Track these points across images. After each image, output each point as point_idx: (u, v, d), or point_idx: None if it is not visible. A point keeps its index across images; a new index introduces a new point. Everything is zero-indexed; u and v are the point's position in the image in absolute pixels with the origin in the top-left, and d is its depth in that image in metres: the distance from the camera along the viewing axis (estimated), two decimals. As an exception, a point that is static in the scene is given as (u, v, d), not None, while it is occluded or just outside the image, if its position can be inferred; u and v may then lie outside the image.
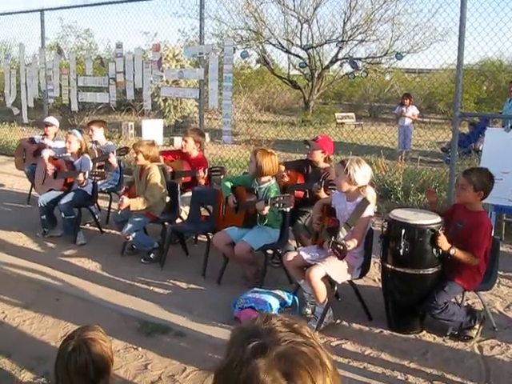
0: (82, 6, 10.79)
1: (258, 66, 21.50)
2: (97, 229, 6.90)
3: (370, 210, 4.34)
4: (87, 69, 10.23)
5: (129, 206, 5.64)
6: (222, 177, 5.93)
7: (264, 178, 5.16)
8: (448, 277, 4.17)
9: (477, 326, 4.25)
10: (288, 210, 4.91)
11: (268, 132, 12.86)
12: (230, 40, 8.86)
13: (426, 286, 4.19)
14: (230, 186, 5.33)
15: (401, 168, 8.43)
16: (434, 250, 4.11)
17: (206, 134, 14.65)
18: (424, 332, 4.32)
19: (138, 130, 15.01)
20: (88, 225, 7.08)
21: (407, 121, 12.77)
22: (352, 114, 18.92)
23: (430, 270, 4.15)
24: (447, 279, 4.16)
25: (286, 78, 21.18)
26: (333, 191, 4.96)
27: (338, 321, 4.50)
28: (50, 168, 6.52)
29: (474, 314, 4.26)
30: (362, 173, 4.36)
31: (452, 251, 4.03)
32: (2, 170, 10.81)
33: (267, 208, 4.85)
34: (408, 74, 21.33)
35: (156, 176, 5.73)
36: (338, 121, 18.05)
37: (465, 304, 4.42)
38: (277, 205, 4.77)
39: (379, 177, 8.34)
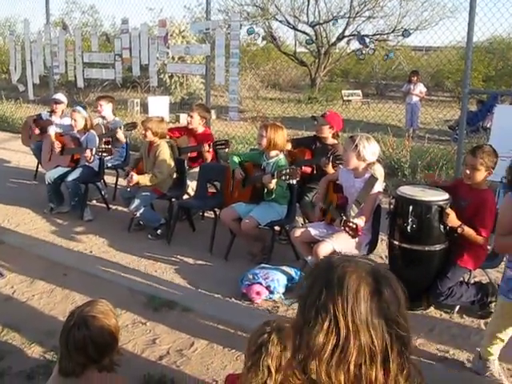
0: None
1: (264, 42, 21.29)
2: (103, 205, 6.90)
3: (378, 187, 4.34)
4: (93, 45, 10.18)
5: (137, 183, 5.64)
6: (226, 150, 5.89)
7: (272, 153, 5.14)
8: (451, 259, 4.17)
9: (493, 299, 4.24)
10: (294, 182, 4.88)
11: (275, 109, 12.79)
12: (236, 16, 8.78)
13: (432, 262, 4.19)
14: (237, 161, 5.32)
15: (408, 146, 8.38)
16: (442, 226, 4.10)
17: (212, 111, 14.65)
18: (431, 308, 4.33)
19: (144, 107, 14.93)
20: (95, 201, 7.08)
21: (414, 98, 12.68)
22: (359, 92, 18.77)
23: (437, 247, 4.14)
24: (450, 263, 4.16)
25: (292, 54, 21.00)
26: (340, 166, 4.94)
27: (345, 297, 4.51)
28: (57, 145, 6.52)
29: (484, 289, 4.25)
30: (371, 149, 4.34)
31: (460, 229, 4.01)
32: (9, 147, 10.81)
33: (274, 181, 4.84)
34: (415, 51, 21.12)
35: (165, 152, 5.72)
36: (345, 98, 17.92)
37: (472, 281, 4.39)
38: (283, 177, 4.76)
39: (386, 154, 8.30)
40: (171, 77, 15.59)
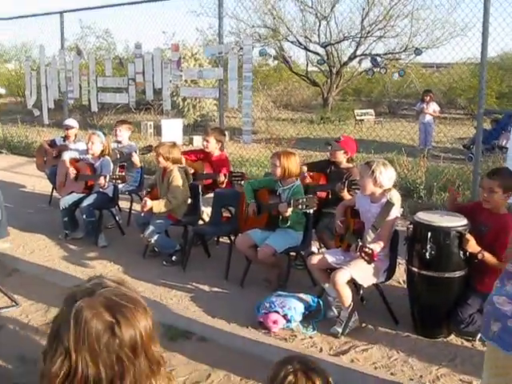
0: (101, 7, 10.80)
1: (276, 62, 21.39)
2: (118, 231, 6.89)
3: (395, 212, 4.28)
4: (106, 69, 10.26)
5: (151, 208, 5.62)
6: (242, 182, 5.87)
7: (288, 180, 5.11)
8: (471, 285, 4.10)
9: None
10: (311, 211, 4.85)
11: (288, 130, 12.78)
12: (249, 39, 8.82)
13: (452, 289, 4.13)
14: (252, 192, 5.29)
15: (423, 166, 8.31)
16: (461, 252, 4.04)
17: (226, 133, 14.70)
18: (452, 336, 4.24)
19: (157, 130, 15.00)
20: (109, 227, 7.08)
21: (428, 117, 12.63)
22: (371, 111, 18.74)
23: (457, 274, 4.08)
24: (470, 289, 4.09)
25: (304, 75, 21.06)
26: (356, 191, 4.90)
27: (364, 324, 4.44)
28: (72, 172, 6.54)
29: None
30: (387, 175, 4.31)
31: (480, 255, 3.95)
32: (24, 171, 10.87)
33: (290, 210, 4.80)
34: (426, 68, 21.11)
35: (178, 178, 5.70)
36: (358, 117, 17.89)
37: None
38: (300, 206, 4.71)
39: (401, 175, 8.23)
40: (184, 99, 15.67)
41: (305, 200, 4.69)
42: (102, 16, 11.62)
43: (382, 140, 12.96)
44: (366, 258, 3.92)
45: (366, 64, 18.79)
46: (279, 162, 5.02)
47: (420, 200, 7.74)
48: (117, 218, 6.93)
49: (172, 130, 13.39)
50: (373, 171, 4.26)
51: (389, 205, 4.24)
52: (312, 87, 22.36)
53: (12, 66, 24.15)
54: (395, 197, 4.36)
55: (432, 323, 4.25)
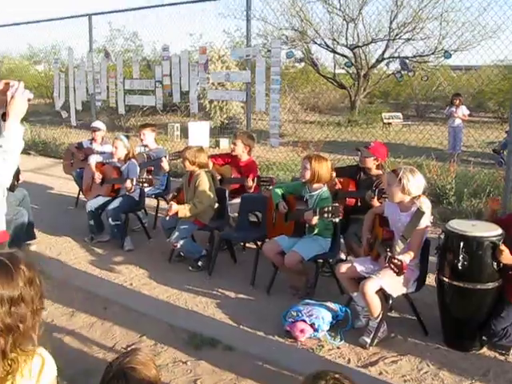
0: (127, 10, 10.82)
1: (303, 64, 21.25)
2: (144, 234, 6.87)
3: (426, 221, 4.16)
4: (134, 72, 10.30)
5: (177, 213, 5.58)
6: (270, 187, 5.81)
7: (316, 185, 5.02)
8: (504, 297, 3.97)
9: None
10: (337, 220, 4.76)
11: (316, 133, 12.67)
12: (277, 42, 8.73)
13: (485, 301, 4.01)
14: (280, 193, 5.22)
15: (452, 171, 8.15)
16: (495, 263, 3.92)
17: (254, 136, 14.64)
18: (484, 349, 4.11)
19: (184, 132, 15.00)
20: (136, 230, 7.07)
21: (457, 121, 12.41)
22: (399, 114, 18.52)
23: (490, 285, 3.96)
24: (504, 301, 3.96)
25: (331, 77, 20.90)
26: (386, 200, 4.79)
27: (393, 335, 4.33)
28: (98, 177, 6.56)
29: None
30: (416, 182, 4.18)
31: (515, 266, 3.83)
32: (51, 173, 10.96)
33: (316, 218, 4.71)
34: (455, 71, 20.79)
35: (204, 183, 5.65)
36: (385, 121, 17.69)
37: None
38: (325, 215, 4.62)
39: (430, 181, 8.08)
40: (211, 101, 15.65)
41: (330, 209, 4.59)
42: (129, 18, 11.65)
43: (410, 144, 12.80)
44: (396, 269, 3.81)
45: (394, 66, 18.61)
46: (310, 165, 4.93)
47: (450, 206, 7.58)
48: (143, 222, 6.92)
49: (199, 132, 13.36)
50: (400, 179, 4.15)
51: (419, 213, 4.13)
52: (339, 90, 22.17)
53: (42, 68, 24.45)
54: (425, 205, 4.24)
55: (464, 336, 4.13)
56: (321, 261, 5.26)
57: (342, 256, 5.65)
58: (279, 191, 5.23)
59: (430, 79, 19.52)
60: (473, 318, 4.06)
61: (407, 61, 8.94)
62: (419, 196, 4.25)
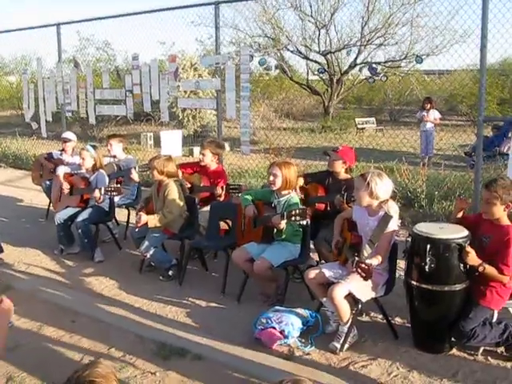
0: (98, 18, 10.70)
1: (277, 72, 21.33)
2: (115, 245, 6.79)
3: (393, 225, 4.17)
4: (104, 81, 10.21)
5: (146, 223, 5.53)
6: (239, 194, 5.79)
7: (284, 191, 5.01)
8: (472, 299, 3.99)
9: None
10: (304, 223, 4.74)
11: (288, 140, 12.68)
12: (246, 49, 8.75)
13: (453, 303, 4.01)
14: (249, 199, 5.19)
15: (423, 175, 8.21)
16: (462, 265, 3.93)
17: (226, 144, 14.61)
18: (454, 350, 4.12)
19: (157, 141, 14.91)
20: (106, 241, 6.99)
21: (428, 125, 12.53)
22: (372, 119, 18.68)
23: (458, 287, 3.96)
24: (471, 302, 3.98)
25: (304, 84, 21.00)
26: (355, 204, 4.79)
27: (363, 339, 4.32)
28: (66, 187, 6.49)
29: (510, 329, 4.02)
30: (383, 186, 4.20)
31: (481, 268, 3.84)
32: (22, 185, 10.81)
33: (283, 222, 4.69)
34: (428, 75, 21.05)
35: (173, 192, 5.60)
36: (359, 126, 17.83)
37: (496, 321, 4.16)
38: (293, 218, 4.61)
39: (402, 184, 8.13)
40: (183, 110, 15.61)
41: (298, 211, 4.58)
42: (100, 28, 11.58)
43: (382, 148, 12.88)
44: (363, 274, 3.80)
45: (367, 72, 18.76)
46: (281, 172, 4.91)
47: (421, 209, 7.63)
48: (113, 232, 6.84)
49: (171, 141, 13.29)
50: (368, 183, 4.16)
51: (386, 217, 4.13)
52: (313, 96, 22.30)
53: (14, 79, 24.18)
54: (393, 209, 4.25)
55: (433, 338, 4.13)
56: (291, 267, 5.25)
57: (314, 262, 5.64)
58: (248, 197, 5.20)
59: (402, 84, 19.75)
60: (441, 320, 4.06)
61: (375, 66, 8.99)
62: (387, 200, 4.26)
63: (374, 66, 8.04)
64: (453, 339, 4.08)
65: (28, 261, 6.42)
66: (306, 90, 21.30)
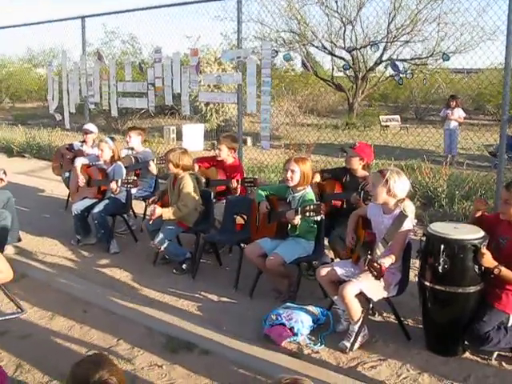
0: (121, 11, 10.74)
1: (302, 68, 21.22)
2: (131, 237, 6.81)
3: (408, 224, 4.08)
4: (126, 74, 10.24)
5: (161, 216, 5.52)
6: (254, 188, 5.74)
7: (299, 187, 4.95)
8: (487, 301, 3.89)
9: None
10: (319, 218, 4.68)
11: (309, 136, 12.60)
12: (268, 43, 8.67)
13: (467, 305, 3.92)
14: (263, 194, 5.15)
15: (445, 174, 8.07)
16: (476, 267, 3.84)
17: (248, 138, 14.60)
18: (467, 354, 4.03)
19: (180, 135, 14.98)
20: (123, 233, 7.01)
21: (453, 124, 12.35)
22: (397, 117, 18.47)
23: (472, 289, 3.87)
24: (486, 305, 3.88)
25: (329, 80, 20.85)
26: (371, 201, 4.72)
27: (374, 339, 4.25)
28: (82, 180, 6.54)
29: None
30: (401, 185, 4.12)
31: (496, 270, 3.75)
32: (44, 176, 10.90)
33: (298, 217, 4.64)
34: (456, 74, 20.74)
35: (188, 185, 5.58)
36: (383, 123, 17.65)
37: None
38: (307, 213, 4.55)
39: (422, 183, 8.01)
40: (207, 104, 15.61)
41: (312, 207, 4.52)
42: (126, 21, 11.61)
43: (407, 146, 12.72)
44: (375, 273, 3.74)
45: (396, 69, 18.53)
46: (298, 168, 4.86)
47: (441, 209, 7.50)
48: (130, 225, 6.85)
49: (193, 135, 13.34)
50: (387, 180, 4.08)
51: (402, 216, 4.05)
52: (338, 93, 22.14)
53: (43, 71, 24.48)
54: (409, 208, 4.16)
55: (445, 340, 4.05)
56: (304, 264, 5.20)
57: (328, 259, 5.58)
58: (263, 193, 5.16)
59: (428, 82, 19.49)
60: (455, 323, 3.97)
61: (400, 63, 8.87)
62: (403, 199, 4.18)
63: (396, 63, 7.92)
64: (466, 342, 4.00)
65: (45, 250, 6.47)
66: (330, 86, 21.15)
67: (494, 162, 11.14)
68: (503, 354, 3.97)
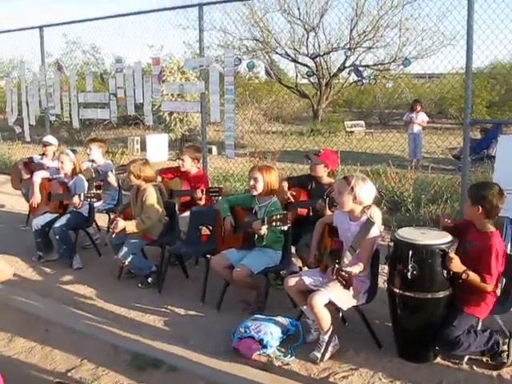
0: (81, 21, 10.53)
1: (265, 76, 21.22)
2: (95, 252, 6.63)
3: (375, 231, 4.04)
4: (87, 85, 10.04)
5: (124, 229, 5.37)
6: (219, 198, 5.64)
7: (265, 196, 4.87)
8: (456, 306, 3.86)
9: (505, 348, 3.91)
10: (285, 228, 4.61)
11: (273, 143, 12.56)
12: (230, 51, 8.62)
13: (437, 310, 3.88)
14: (227, 207, 5.05)
15: (410, 178, 8.10)
16: (445, 272, 3.80)
17: (214, 147, 14.49)
18: (438, 359, 3.99)
19: (144, 145, 14.79)
20: (87, 247, 6.83)
21: (416, 128, 12.48)
22: (362, 122, 18.60)
23: (441, 294, 3.84)
24: (455, 310, 3.85)
25: (293, 87, 20.89)
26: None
27: (345, 349, 4.18)
28: (35, 199, 6.52)
29: (495, 337, 3.90)
30: (367, 191, 4.07)
31: (465, 275, 3.72)
32: (5, 190, 10.60)
33: (264, 227, 4.55)
34: (418, 79, 20.99)
35: (151, 197, 5.45)
36: (348, 129, 17.74)
37: (481, 329, 4.02)
38: (274, 223, 4.47)
39: (388, 188, 8.02)
40: (171, 114, 15.46)
41: (279, 216, 4.44)
42: (87, 31, 11.42)
43: (372, 152, 12.80)
44: (343, 282, 3.67)
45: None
46: (262, 177, 4.77)
47: (408, 213, 7.51)
48: (94, 238, 6.68)
49: (157, 145, 13.17)
50: (352, 187, 4.03)
51: (369, 223, 4.00)
52: (302, 99, 22.19)
53: (3, 83, 23.94)
54: (376, 214, 4.12)
55: (416, 347, 4.00)
56: (272, 274, 5.12)
57: (296, 268, 5.51)
58: (227, 205, 5.06)
59: (392, 87, 19.67)
60: (425, 328, 3.92)
61: (362, 68, 8.90)
62: (369, 205, 4.13)
63: (359, 68, 7.95)
64: (437, 348, 3.96)
65: (5, 268, 6.23)
66: (294, 93, 21.19)
67: (458, 165, 11.27)
68: (474, 357, 3.96)
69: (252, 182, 4.83)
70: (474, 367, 3.91)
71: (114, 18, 9.98)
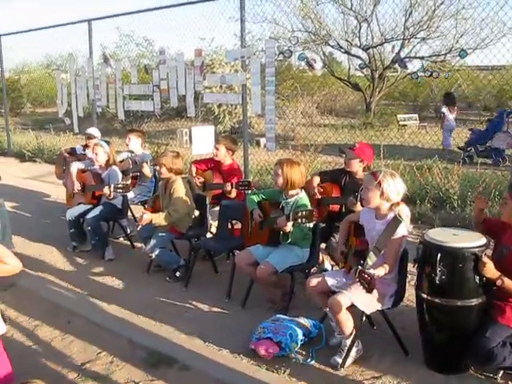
0: (129, 13, 10.57)
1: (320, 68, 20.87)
2: (128, 243, 6.60)
3: (402, 230, 3.78)
4: (132, 77, 10.08)
5: (151, 221, 5.30)
6: (249, 191, 5.48)
7: (292, 191, 4.68)
8: (490, 315, 3.57)
9: None
10: (311, 225, 4.41)
11: (322, 136, 12.27)
12: (271, 42, 8.42)
13: (468, 319, 3.60)
14: (255, 200, 4.89)
15: (456, 173, 7.65)
16: (477, 277, 3.52)
17: (262, 140, 14.33)
18: (470, 372, 3.70)
19: (193, 137, 14.76)
20: (120, 239, 6.82)
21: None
22: (415, 116, 18.01)
23: (473, 302, 3.55)
24: (489, 319, 3.56)
25: (346, 80, 20.48)
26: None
27: (369, 355, 3.96)
28: (77, 186, 6.35)
29: None
30: (396, 187, 3.82)
31: (499, 281, 3.43)
32: (51, 180, 10.76)
33: (290, 224, 4.37)
34: (481, 71, 20.20)
35: (180, 189, 5.35)
36: (401, 123, 17.21)
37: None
38: (299, 220, 4.28)
39: (433, 184, 7.66)
40: (219, 105, 15.39)
41: (304, 213, 4.25)
42: (140, 24, 11.47)
43: (423, 146, 12.35)
44: (365, 284, 3.45)
45: (412, 67, 18.08)
46: (281, 171, 4.60)
47: (453, 211, 7.15)
48: (127, 230, 6.66)
49: (203, 137, 13.08)
50: (379, 182, 3.80)
51: (396, 221, 3.76)
52: (357, 92, 21.74)
53: (65, 76, 24.47)
54: (404, 212, 3.87)
55: (445, 357, 3.73)
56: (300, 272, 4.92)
57: (328, 267, 5.31)
58: (255, 198, 4.91)
59: (449, 79, 19.00)
60: (455, 338, 3.66)
61: (407, 60, 8.56)
62: (398, 203, 3.89)
63: (405, 60, 7.63)
64: (468, 360, 3.68)
65: (40, 257, 6.31)
66: (347, 85, 20.77)
67: (496, 159, 11.24)
68: (510, 372, 3.64)
69: (274, 177, 4.68)
70: (510, 383, 3.61)
71: (160, 9, 9.99)
